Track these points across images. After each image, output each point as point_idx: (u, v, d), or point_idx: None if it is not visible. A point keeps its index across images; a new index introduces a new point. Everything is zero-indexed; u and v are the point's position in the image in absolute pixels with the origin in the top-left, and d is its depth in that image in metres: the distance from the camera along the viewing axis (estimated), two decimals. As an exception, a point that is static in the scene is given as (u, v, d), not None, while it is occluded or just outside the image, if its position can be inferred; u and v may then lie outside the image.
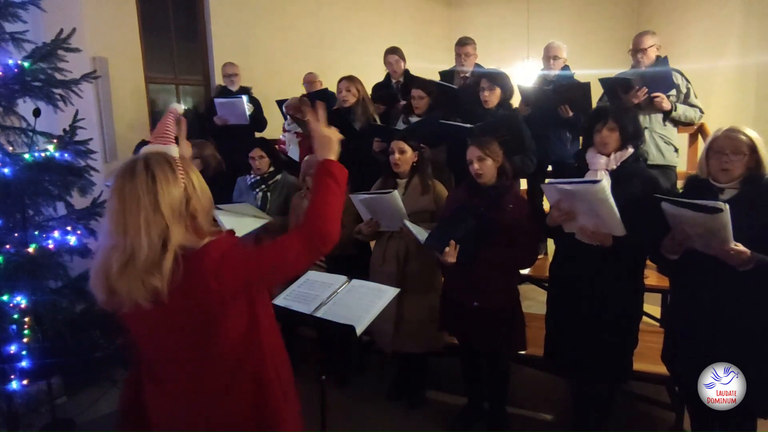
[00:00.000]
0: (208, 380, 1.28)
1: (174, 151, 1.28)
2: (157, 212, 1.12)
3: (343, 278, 2.21)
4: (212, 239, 1.22)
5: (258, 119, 4.51)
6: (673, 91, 3.31)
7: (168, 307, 1.16)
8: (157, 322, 1.22)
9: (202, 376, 1.28)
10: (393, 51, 4.09)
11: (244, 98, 4.31)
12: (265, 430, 1.33)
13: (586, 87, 3.40)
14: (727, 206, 1.63)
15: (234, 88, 4.57)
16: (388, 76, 4.21)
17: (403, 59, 4.09)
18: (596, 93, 3.48)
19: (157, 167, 1.15)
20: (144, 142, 3.63)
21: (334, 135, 1.40)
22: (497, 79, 3.25)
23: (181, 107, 2.54)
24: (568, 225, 2.17)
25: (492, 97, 3.21)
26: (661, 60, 3.35)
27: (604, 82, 3.43)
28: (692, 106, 3.36)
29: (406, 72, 4.11)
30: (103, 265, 1.14)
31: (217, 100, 4.33)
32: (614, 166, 2.19)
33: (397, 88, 4.09)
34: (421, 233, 2.49)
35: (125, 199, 1.13)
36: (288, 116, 4.20)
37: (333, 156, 1.38)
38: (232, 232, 1.35)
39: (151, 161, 1.16)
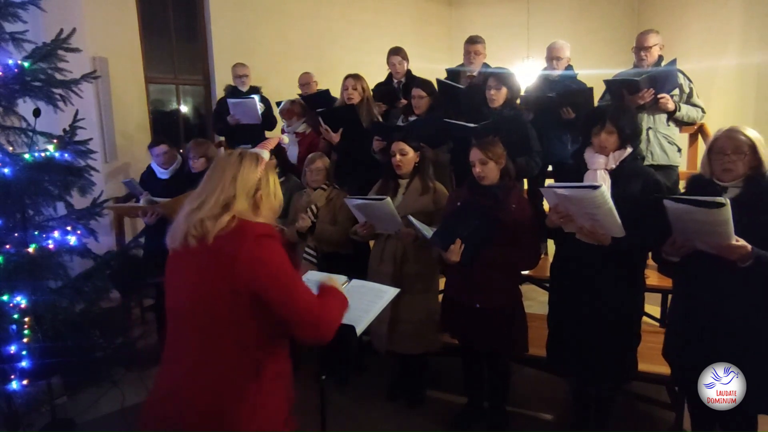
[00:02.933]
0: (209, 346, 1.41)
1: (265, 155, 1.62)
2: (232, 183, 1.44)
3: (343, 278, 2.20)
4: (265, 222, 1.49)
5: (268, 118, 4.55)
6: (676, 91, 3.31)
7: (206, 258, 1.40)
8: (192, 269, 1.44)
9: (205, 338, 1.42)
10: (396, 52, 4.08)
11: (257, 98, 4.36)
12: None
13: (588, 92, 3.39)
14: (728, 201, 1.64)
15: (244, 89, 4.62)
16: (389, 76, 4.21)
17: (407, 60, 4.08)
18: (594, 92, 3.47)
19: (247, 157, 1.50)
20: (158, 136, 3.70)
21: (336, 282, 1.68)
22: (505, 79, 3.24)
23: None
24: (567, 226, 2.17)
25: (498, 97, 3.19)
26: (670, 62, 3.34)
27: (609, 83, 3.41)
28: (695, 105, 3.37)
29: (408, 72, 4.11)
30: (184, 208, 1.47)
31: (230, 100, 4.37)
32: (613, 166, 2.19)
33: (399, 87, 4.09)
34: (426, 230, 2.48)
35: (216, 168, 1.49)
36: (285, 119, 4.21)
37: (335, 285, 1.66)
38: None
39: (245, 153, 1.54)
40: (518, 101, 3.48)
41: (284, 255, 1.44)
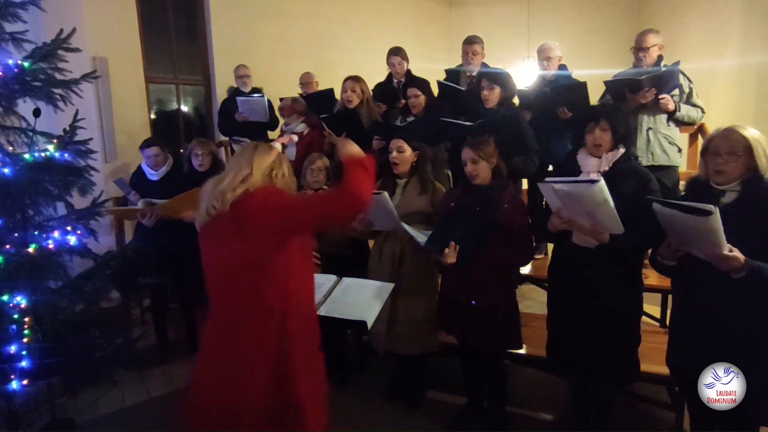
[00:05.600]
0: (243, 318, 1.61)
1: (278, 147, 1.86)
2: (248, 164, 1.66)
3: (334, 277, 2.21)
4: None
5: (270, 119, 4.62)
6: (676, 91, 3.31)
7: (228, 222, 1.60)
8: (219, 237, 1.64)
9: (240, 312, 1.62)
10: (396, 52, 4.08)
11: (265, 97, 4.47)
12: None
13: (582, 86, 3.39)
14: (717, 209, 1.58)
15: (246, 89, 4.73)
16: (389, 76, 4.21)
17: (406, 60, 4.08)
18: (594, 91, 3.47)
19: (261, 144, 1.77)
20: (150, 138, 3.71)
21: (356, 148, 1.75)
22: (497, 78, 3.24)
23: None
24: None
25: (491, 96, 3.20)
26: (674, 63, 3.33)
27: (610, 84, 3.41)
28: (694, 106, 3.37)
29: (408, 72, 4.11)
30: (204, 187, 1.71)
31: (240, 98, 4.48)
32: (606, 168, 2.18)
33: (399, 87, 4.09)
34: (419, 236, 2.48)
35: (235, 155, 1.76)
36: (284, 117, 4.23)
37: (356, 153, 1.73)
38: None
39: (261, 143, 1.80)
40: (516, 101, 3.48)
41: (291, 196, 1.69)
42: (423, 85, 3.51)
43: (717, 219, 1.58)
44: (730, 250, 1.66)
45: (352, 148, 1.71)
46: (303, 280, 1.70)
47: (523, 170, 3.09)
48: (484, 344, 2.59)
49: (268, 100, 4.61)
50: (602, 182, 1.91)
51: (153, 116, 5.24)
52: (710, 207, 1.58)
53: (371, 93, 3.78)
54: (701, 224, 1.63)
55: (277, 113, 4.62)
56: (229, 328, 1.64)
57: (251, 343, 1.60)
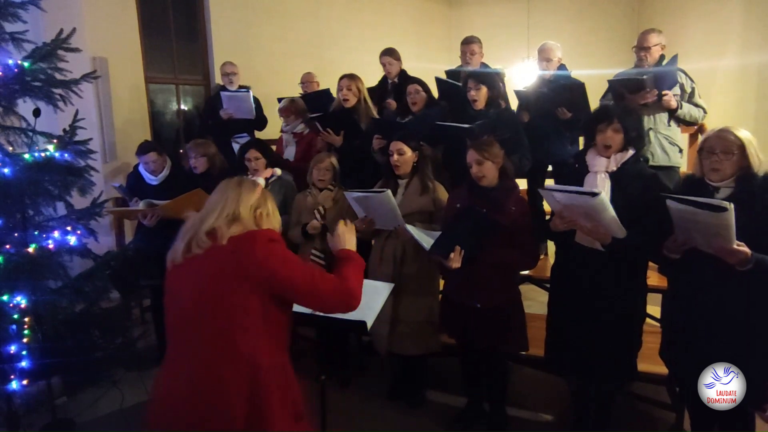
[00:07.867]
0: (208, 357, 1.48)
1: (261, 182, 1.90)
2: (234, 201, 1.60)
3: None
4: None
5: (258, 118, 4.53)
6: (677, 90, 3.30)
7: (219, 259, 1.51)
8: (199, 274, 1.53)
9: (205, 350, 1.49)
10: (387, 53, 4.06)
11: (251, 93, 4.35)
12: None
13: (580, 87, 3.39)
14: (732, 205, 1.63)
15: (232, 88, 4.58)
16: (385, 77, 4.21)
17: (398, 60, 4.05)
18: (594, 91, 3.47)
19: (246, 181, 1.71)
20: (146, 142, 3.70)
21: (349, 232, 1.84)
22: (482, 78, 3.21)
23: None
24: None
25: (479, 97, 3.17)
26: (671, 58, 3.31)
27: (613, 82, 3.40)
28: (697, 105, 3.35)
29: (403, 72, 4.09)
30: (185, 224, 1.63)
31: (224, 93, 4.35)
32: (614, 168, 2.18)
33: (391, 88, 4.07)
34: (424, 239, 2.47)
35: (218, 191, 1.66)
36: (283, 117, 4.21)
37: (350, 247, 1.81)
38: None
39: (245, 179, 1.74)
40: (510, 102, 3.47)
41: (292, 253, 1.61)
42: (422, 82, 3.50)
43: (731, 215, 1.64)
44: (738, 244, 1.71)
45: (347, 241, 1.80)
46: (279, 333, 1.58)
47: (520, 168, 3.09)
48: (487, 344, 2.58)
49: (256, 98, 4.53)
50: (603, 195, 1.93)
51: (153, 116, 5.23)
52: (726, 204, 1.64)
53: (367, 92, 3.76)
54: (716, 220, 1.68)
55: (265, 112, 4.56)
56: (197, 370, 1.48)
57: (223, 389, 1.45)
